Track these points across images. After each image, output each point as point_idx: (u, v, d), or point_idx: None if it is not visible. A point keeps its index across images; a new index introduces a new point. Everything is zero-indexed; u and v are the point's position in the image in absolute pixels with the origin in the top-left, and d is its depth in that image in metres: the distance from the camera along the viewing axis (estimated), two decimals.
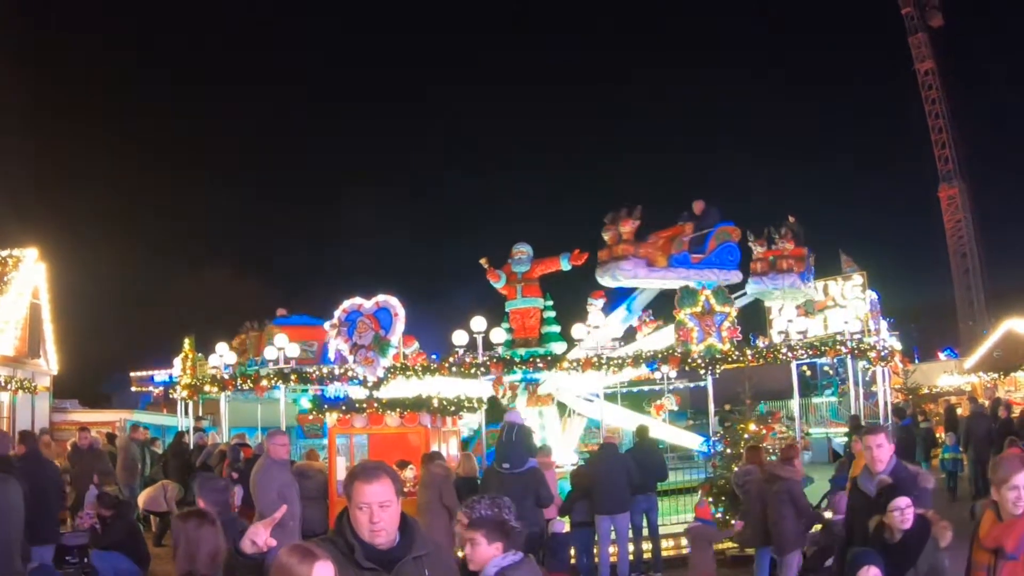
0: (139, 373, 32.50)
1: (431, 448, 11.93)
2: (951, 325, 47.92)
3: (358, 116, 79.16)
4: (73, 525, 13.52)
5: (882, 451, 6.48)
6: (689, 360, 15.28)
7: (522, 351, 16.01)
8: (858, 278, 27.84)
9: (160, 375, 29.88)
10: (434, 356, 16.82)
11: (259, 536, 3.68)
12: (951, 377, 32.79)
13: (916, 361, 36.10)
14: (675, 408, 23.70)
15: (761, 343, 16.81)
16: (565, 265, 17.75)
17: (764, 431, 14.61)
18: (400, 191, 74.19)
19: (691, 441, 20.03)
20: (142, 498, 15.09)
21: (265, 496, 9.10)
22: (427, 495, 10.33)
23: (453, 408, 12.56)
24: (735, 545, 13.22)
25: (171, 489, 14.86)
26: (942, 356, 38.11)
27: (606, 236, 17.20)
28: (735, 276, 17.32)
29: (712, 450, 14.68)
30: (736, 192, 61.06)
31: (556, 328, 17.96)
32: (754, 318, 21.85)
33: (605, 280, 17.37)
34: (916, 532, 5.80)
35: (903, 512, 5.74)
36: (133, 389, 33.19)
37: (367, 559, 3.70)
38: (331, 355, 15.94)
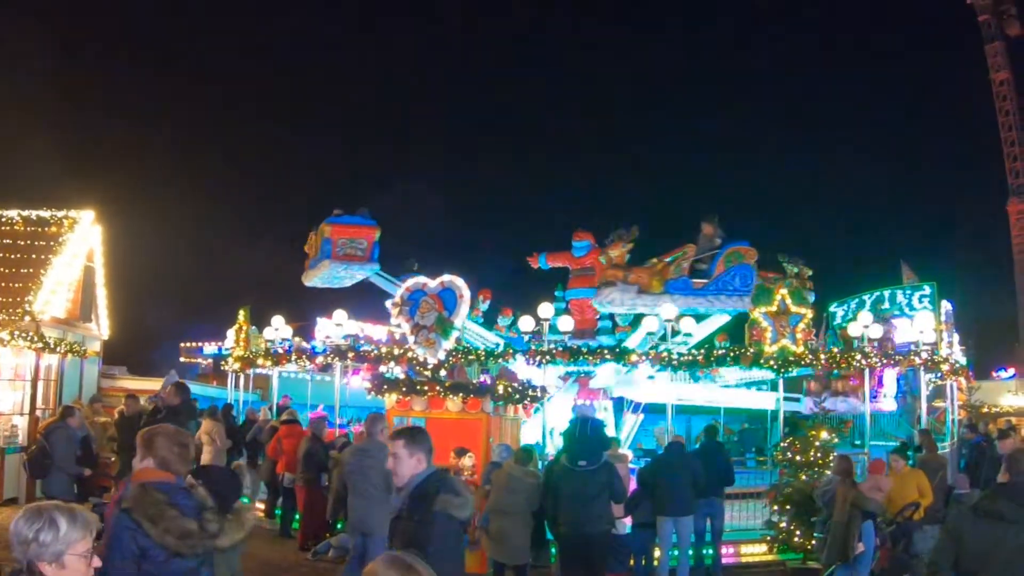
0: (188, 344, 32.51)
1: (490, 437, 11.46)
2: (1009, 343, 46.57)
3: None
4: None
5: (400, 463, 4.81)
6: (761, 360, 14.61)
7: (590, 342, 15.46)
8: (927, 288, 26.86)
9: (209, 347, 29.87)
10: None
11: None
12: (1015, 397, 31.79)
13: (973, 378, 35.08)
14: None
15: (835, 348, 16.09)
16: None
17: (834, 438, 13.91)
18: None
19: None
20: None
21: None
22: (512, 499, 9.68)
23: (518, 396, 12.04)
24: (798, 557, 12.61)
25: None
26: (995, 375, 37.03)
27: (602, 259, 16.53)
28: (746, 304, 15.63)
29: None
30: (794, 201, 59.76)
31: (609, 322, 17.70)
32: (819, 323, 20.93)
33: (598, 305, 16.59)
34: None
35: None
36: (182, 359, 33.22)
37: None
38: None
